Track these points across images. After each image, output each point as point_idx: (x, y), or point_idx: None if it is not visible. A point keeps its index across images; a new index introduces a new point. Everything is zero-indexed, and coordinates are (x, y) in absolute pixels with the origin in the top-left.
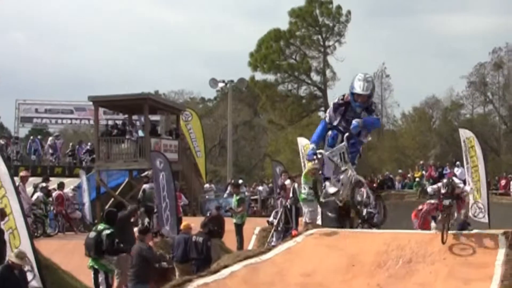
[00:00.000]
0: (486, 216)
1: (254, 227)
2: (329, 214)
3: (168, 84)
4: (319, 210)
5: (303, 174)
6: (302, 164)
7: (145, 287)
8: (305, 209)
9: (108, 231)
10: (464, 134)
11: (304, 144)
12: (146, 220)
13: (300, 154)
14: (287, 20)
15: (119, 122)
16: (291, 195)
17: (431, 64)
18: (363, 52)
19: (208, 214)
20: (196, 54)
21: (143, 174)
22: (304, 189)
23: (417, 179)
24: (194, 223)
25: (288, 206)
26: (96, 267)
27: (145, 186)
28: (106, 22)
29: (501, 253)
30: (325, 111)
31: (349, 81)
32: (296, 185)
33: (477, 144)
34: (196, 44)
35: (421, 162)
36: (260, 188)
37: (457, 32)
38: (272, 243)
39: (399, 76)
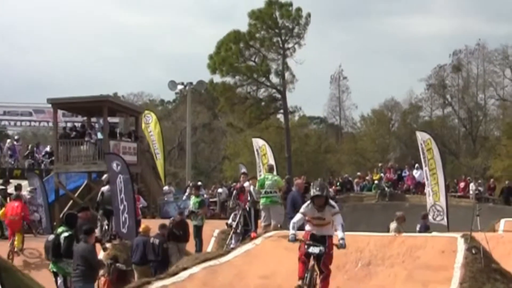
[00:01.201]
0: (445, 218)
1: (213, 229)
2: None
3: (128, 86)
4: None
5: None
6: (258, 165)
7: (93, 286)
8: (272, 213)
9: (66, 234)
10: (422, 136)
11: (260, 145)
12: (105, 222)
13: (256, 155)
14: (246, 22)
15: (78, 124)
16: (249, 197)
17: (390, 66)
18: (322, 54)
19: (171, 219)
20: (155, 56)
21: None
22: (275, 192)
23: (376, 182)
24: (153, 225)
25: (247, 208)
26: (54, 270)
27: (103, 188)
28: (65, 23)
29: (460, 255)
30: (284, 113)
31: (308, 83)
32: (252, 187)
33: (434, 147)
34: (155, 46)
35: (380, 164)
36: (220, 190)
37: (415, 34)
38: (231, 246)
39: (358, 78)
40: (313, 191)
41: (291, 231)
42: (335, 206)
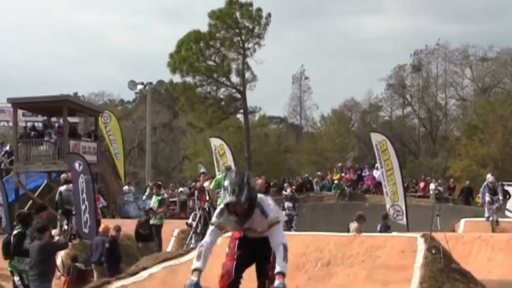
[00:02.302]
0: (405, 218)
1: (173, 229)
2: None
3: (88, 86)
4: None
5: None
6: (216, 165)
7: (48, 286)
8: None
9: (15, 231)
10: (376, 138)
11: (218, 144)
12: (65, 222)
13: (214, 154)
14: (204, 21)
15: (38, 124)
16: (207, 197)
17: (349, 66)
18: (283, 54)
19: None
20: (115, 56)
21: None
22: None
23: (335, 182)
24: (112, 225)
25: (207, 208)
26: (9, 269)
27: (61, 188)
28: (22, 22)
29: (420, 255)
30: (244, 113)
31: (269, 83)
32: (211, 186)
33: (390, 148)
34: (115, 46)
35: (340, 164)
36: (179, 190)
37: (371, 33)
38: (191, 245)
39: (318, 78)
40: (224, 195)
41: (195, 264)
42: (269, 212)
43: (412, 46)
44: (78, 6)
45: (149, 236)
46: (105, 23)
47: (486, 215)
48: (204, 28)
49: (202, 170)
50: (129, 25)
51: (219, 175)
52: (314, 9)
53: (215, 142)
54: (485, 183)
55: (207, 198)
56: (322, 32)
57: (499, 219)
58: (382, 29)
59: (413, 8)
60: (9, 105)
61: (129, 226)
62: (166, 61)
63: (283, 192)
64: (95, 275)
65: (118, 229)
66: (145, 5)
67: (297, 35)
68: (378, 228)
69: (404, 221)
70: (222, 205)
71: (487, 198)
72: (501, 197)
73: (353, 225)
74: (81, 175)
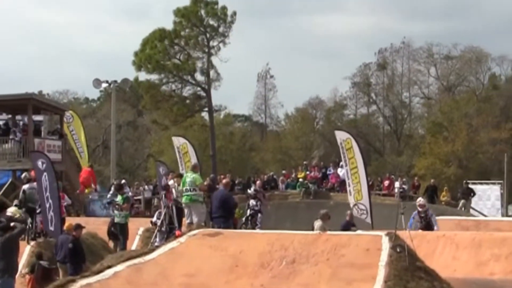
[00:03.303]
0: (369, 217)
1: (138, 227)
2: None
3: (53, 84)
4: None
5: (190, 174)
6: (179, 163)
7: (12, 282)
8: (193, 211)
9: None
10: (341, 136)
11: (181, 143)
12: (29, 221)
13: (177, 153)
14: (167, 20)
15: (2, 122)
16: (173, 195)
17: (314, 64)
18: (248, 52)
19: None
20: (80, 54)
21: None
22: (193, 190)
23: (300, 180)
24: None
25: (174, 206)
26: None
27: (24, 187)
28: None
29: (385, 254)
30: (209, 111)
31: (234, 81)
32: (176, 185)
33: (355, 146)
34: (79, 44)
35: (305, 162)
36: (144, 188)
37: (335, 32)
38: (156, 244)
39: (283, 76)
40: None
41: None
42: None
43: (377, 45)
44: (42, 5)
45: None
46: (69, 22)
47: None
48: (169, 26)
49: (161, 168)
50: (92, 24)
51: (186, 174)
52: (278, 8)
53: (178, 141)
54: (415, 212)
55: (174, 196)
56: (286, 30)
57: (466, 218)
58: (346, 27)
59: (377, 6)
60: None
61: (93, 225)
62: (130, 59)
63: (248, 190)
64: (60, 273)
65: (77, 227)
66: (107, 4)
67: (261, 33)
68: (342, 227)
69: (368, 220)
70: None
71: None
72: (436, 228)
73: (318, 224)
74: (44, 173)
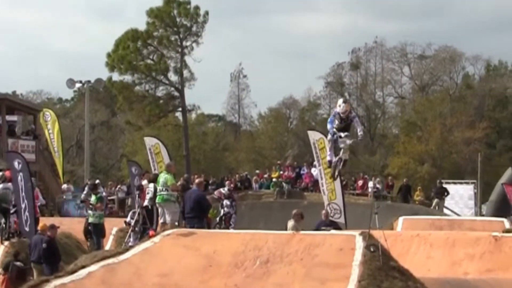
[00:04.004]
0: (343, 216)
1: (112, 227)
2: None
3: (27, 84)
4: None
5: (165, 173)
6: (151, 164)
7: None
8: (165, 210)
9: None
10: (314, 136)
11: (153, 143)
12: (2, 221)
13: (149, 153)
14: (140, 20)
15: None
16: (149, 195)
17: (287, 64)
18: (221, 52)
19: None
20: (53, 54)
21: None
22: (165, 190)
23: (274, 180)
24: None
25: (149, 206)
26: None
27: None
28: None
29: (359, 253)
30: (182, 111)
31: (207, 81)
32: (152, 185)
33: (327, 146)
34: (52, 45)
35: (278, 162)
36: (118, 188)
37: (307, 32)
38: (130, 244)
39: (257, 76)
40: None
41: None
42: None
43: (351, 44)
44: (15, 5)
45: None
46: (41, 22)
47: None
48: (142, 26)
49: (133, 168)
50: (65, 24)
51: (160, 175)
52: (250, 7)
53: (150, 141)
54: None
55: (148, 196)
56: (259, 30)
57: (440, 217)
58: (319, 27)
59: (350, 6)
60: None
61: (68, 225)
62: (104, 60)
63: (221, 190)
64: (34, 273)
65: (54, 227)
66: (79, 5)
67: (234, 33)
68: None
69: (342, 219)
70: None
71: None
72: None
73: (291, 223)
74: (20, 173)
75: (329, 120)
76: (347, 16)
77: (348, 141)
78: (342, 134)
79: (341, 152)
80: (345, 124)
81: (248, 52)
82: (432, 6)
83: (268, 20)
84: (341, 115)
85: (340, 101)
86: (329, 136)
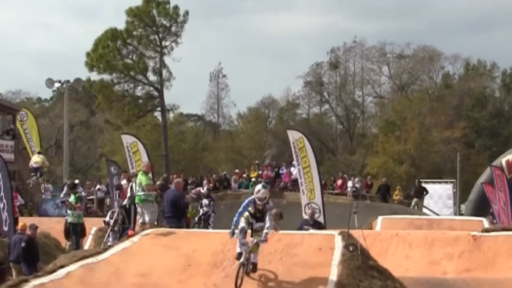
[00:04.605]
0: (322, 216)
1: (91, 227)
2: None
3: (5, 84)
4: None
5: (140, 173)
6: (129, 162)
7: None
8: (144, 210)
9: None
10: (293, 135)
11: (131, 141)
12: None
13: (127, 152)
14: (119, 20)
15: None
16: (128, 195)
17: (267, 64)
18: (200, 52)
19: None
20: (32, 54)
21: None
22: (142, 190)
23: (253, 179)
24: (30, 223)
25: (127, 206)
26: None
27: None
28: None
29: (338, 253)
30: (161, 111)
31: (186, 81)
32: (132, 184)
33: (307, 145)
34: (31, 44)
35: (257, 162)
36: (97, 187)
37: (289, 31)
38: (109, 243)
39: (236, 76)
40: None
41: None
42: None
43: (330, 44)
44: None
45: (80, 233)
46: (19, 22)
47: None
48: (120, 26)
49: (112, 167)
50: (43, 23)
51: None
52: (229, 7)
53: (128, 139)
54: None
55: (127, 195)
56: (238, 30)
57: (419, 217)
58: (298, 27)
59: (328, 6)
60: None
61: (47, 224)
62: (83, 59)
63: (200, 189)
64: (13, 273)
65: (34, 227)
66: (56, 4)
67: (214, 33)
68: (299, 225)
69: (321, 219)
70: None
71: None
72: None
73: None
74: None
75: (242, 205)
76: (326, 16)
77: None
78: (256, 224)
79: (247, 250)
80: (260, 214)
81: (227, 52)
82: (410, 5)
83: (247, 20)
84: (257, 202)
85: (259, 186)
86: (236, 230)
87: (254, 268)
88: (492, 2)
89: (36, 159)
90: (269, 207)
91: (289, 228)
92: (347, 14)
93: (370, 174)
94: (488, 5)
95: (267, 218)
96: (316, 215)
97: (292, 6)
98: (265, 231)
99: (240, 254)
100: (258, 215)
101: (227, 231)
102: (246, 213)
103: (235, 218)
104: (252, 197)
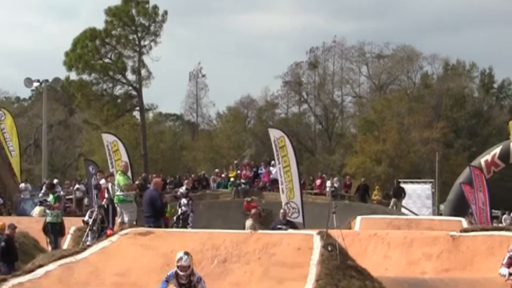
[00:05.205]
0: (301, 216)
1: (69, 226)
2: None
3: None
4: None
5: (118, 174)
6: (109, 161)
7: None
8: (123, 210)
9: None
10: (274, 134)
11: (111, 141)
12: None
13: (107, 151)
14: (97, 19)
15: None
16: (106, 194)
17: (246, 63)
18: (179, 51)
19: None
20: (10, 53)
21: None
22: (120, 191)
23: (232, 179)
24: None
25: (105, 205)
26: None
27: None
28: None
29: (316, 252)
30: (140, 111)
31: (165, 80)
32: (110, 184)
33: (288, 144)
34: (9, 44)
35: (236, 161)
36: (75, 187)
37: (268, 31)
38: (87, 243)
39: (215, 75)
40: None
41: None
42: None
43: (309, 44)
44: None
45: (58, 232)
46: None
47: None
48: (99, 25)
49: (91, 167)
50: (21, 23)
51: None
52: (207, 7)
53: (108, 138)
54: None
55: (106, 195)
56: (217, 30)
57: (398, 217)
58: (276, 27)
59: (306, 6)
60: None
61: (25, 224)
62: (62, 58)
63: (179, 189)
64: None
65: (13, 227)
66: (35, 4)
67: (192, 32)
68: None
69: (300, 219)
70: None
71: None
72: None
73: (249, 223)
74: None
75: (162, 282)
76: (304, 16)
77: None
78: None
79: None
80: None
81: (206, 52)
82: (390, 5)
83: (225, 19)
84: (180, 273)
85: (181, 253)
86: None
87: None
88: (471, 2)
89: None
90: (197, 279)
91: (268, 228)
92: (325, 14)
93: (349, 174)
94: (467, 5)
95: None
96: (294, 215)
97: (270, 6)
98: None
99: None
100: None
101: (206, 230)
102: None
103: None
104: (173, 270)
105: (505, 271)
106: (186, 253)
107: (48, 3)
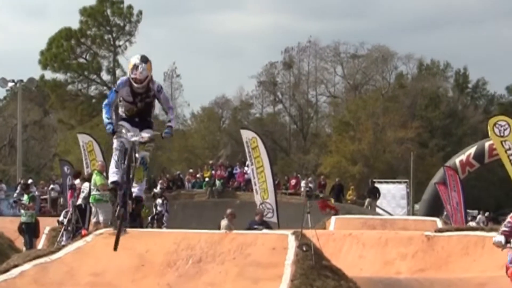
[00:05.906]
0: (275, 215)
1: (44, 226)
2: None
3: None
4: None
5: (95, 173)
6: (84, 161)
7: None
8: (98, 210)
9: None
10: (246, 135)
11: (86, 141)
12: None
13: (82, 151)
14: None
15: None
16: (82, 194)
17: (220, 63)
18: (154, 51)
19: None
20: None
21: None
22: (97, 190)
23: (206, 179)
24: None
25: (83, 205)
26: None
27: None
28: None
29: (291, 252)
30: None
31: None
32: (86, 184)
33: (260, 145)
34: None
35: (211, 161)
36: (50, 187)
37: (241, 31)
38: (62, 243)
39: (190, 75)
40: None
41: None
42: None
43: (284, 44)
44: None
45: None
46: None
47: None
48: (73, 25)
49: (65, 167)
50: None
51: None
52: (181, 6)
53: (84, 138)
54: None
55: (81, 195)
56: (190, 29)
57: (373, 217)
58: (249, 26)
59: (279, 6)
60: None
61: (0, 224)
62: (36, 58)
63: (154, 189)
64: None
65: None
66: (5, 3)
67: (166, 32)
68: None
69: (274, 219)
70: None
71: None
72: None
73: (224, 223)
74: None
75: (116, 86)
76: (278, 16)
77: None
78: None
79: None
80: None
81: (180, 52)
82: (364, 5)
83: (199, 19)
84: (135, 86)
85: (135, 59)
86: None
87: (139, 204)
88: (444, 1)
89: None
90: (158, 87)
91: (243, 228)
92: (299, 14)
93: (324, 174)
94: (442, 5)
95: (167, 109)
96: (269, 215)
97: (241, 5)
98: (168, 124)
99: (116, 184)
100: (138, 118)
101: (181, 230)
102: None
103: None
104: (124, 77)
105: (500, 237)
106: (144, 60)
107: (21, 2)
